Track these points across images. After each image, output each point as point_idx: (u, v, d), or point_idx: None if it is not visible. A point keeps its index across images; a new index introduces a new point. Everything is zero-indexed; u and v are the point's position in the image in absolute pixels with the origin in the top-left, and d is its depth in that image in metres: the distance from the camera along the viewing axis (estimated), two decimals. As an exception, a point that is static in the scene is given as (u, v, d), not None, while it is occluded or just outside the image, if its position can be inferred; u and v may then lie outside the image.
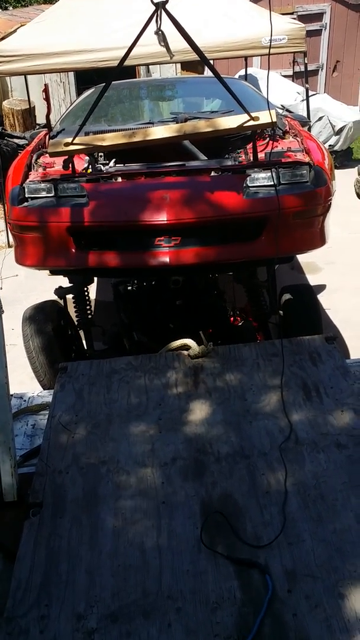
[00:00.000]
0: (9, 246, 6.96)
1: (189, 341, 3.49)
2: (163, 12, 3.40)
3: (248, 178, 3.61)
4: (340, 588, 2.15)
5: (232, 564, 2.26)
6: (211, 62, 4.18)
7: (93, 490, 2.63)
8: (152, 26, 3.49)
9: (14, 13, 11.82)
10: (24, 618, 2.14)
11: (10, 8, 16.98)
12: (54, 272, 4.34)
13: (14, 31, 7.77)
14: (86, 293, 4.32)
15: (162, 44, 3.51)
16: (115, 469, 2.73)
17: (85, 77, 9.31)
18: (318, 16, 12.26)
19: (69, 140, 3.67)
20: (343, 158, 9.58)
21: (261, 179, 3.60)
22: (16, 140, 8.90)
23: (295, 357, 3.34)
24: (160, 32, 3.44)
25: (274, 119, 3.61)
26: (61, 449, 2.87)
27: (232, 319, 4.41)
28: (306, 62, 6.96)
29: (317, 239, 3.83)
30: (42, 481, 2.69)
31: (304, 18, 11.27)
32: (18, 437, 3.10)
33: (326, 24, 12.30)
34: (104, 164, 4.15)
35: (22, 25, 8.04)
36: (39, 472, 2.75)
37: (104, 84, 3.82)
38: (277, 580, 2.18)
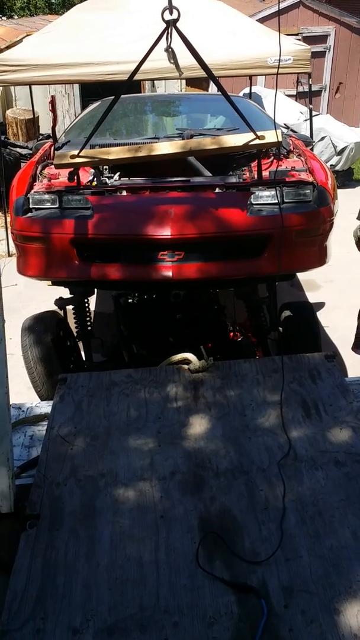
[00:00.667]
0: (9, 255, 6.98)
1: (189, 355, 3.50)
2: (173, 30, 3.45)
3: (252, 196, 3.65)
4: (335, 604, 2.16)
5: (229, 579, 2.25)
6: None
7: (91, 503, 2.62)
8: (162, 44, 3.54)
9: (19, 22, 11.92)
10: (19, 631, 2.12)
11: (16, 17, 17.12)
12: (55, 283, 4.34)
13: (20, 40, 7.83)
14: (86, 304, 4.33)
15: (172, 61, 3.57)
16: (113, 482, 2.72)
17: (90, 90, 9.37)
18: (322, 38, 12.43)
19: (75, 152, 3.70)
20: (344, 178, 9.67)
21: (265, 197, 3.64)
22: (19, 150, 8.95)
23: (295, 374, 3.36)
24: (170, 49, 3.49)
25: (280, 139, 3.65)
26: (59, 461, 2.87)
27: (231, 334, 4.42)
28: (310, 82, 7.04)
29: (319, 258, 3.86)
30: (39, 493, 2.68)
31: (308, 40, 11.40)
32: (16, 447, 3.09)
33: (330, 46, 12.47)
34: (108, 177, 4.18)
35: (28, 35, 8.12)
36: (37, 484, 2.74)
37: (110, 97, 3.86)
38: (274, 595, 2.19)
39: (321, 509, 2.54)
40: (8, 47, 8.51)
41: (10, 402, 2.91)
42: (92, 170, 4.12)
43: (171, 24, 3.50)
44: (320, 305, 5.75)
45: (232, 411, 3.13)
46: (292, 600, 2.18)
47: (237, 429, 3.00)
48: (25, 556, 2.39)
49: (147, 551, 2.38)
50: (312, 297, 5.95)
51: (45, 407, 3.48)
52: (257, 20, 9.12)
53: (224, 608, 2.16)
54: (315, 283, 6.27)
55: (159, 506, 2.58)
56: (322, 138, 9.31)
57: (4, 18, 17.77)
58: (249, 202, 3.62)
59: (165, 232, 3.51)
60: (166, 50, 3.51)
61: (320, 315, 5.21)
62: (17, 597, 2.24)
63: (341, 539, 2.40)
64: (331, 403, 3.15)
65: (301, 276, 6.15)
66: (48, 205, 3.74)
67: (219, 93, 3.82)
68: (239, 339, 4.38)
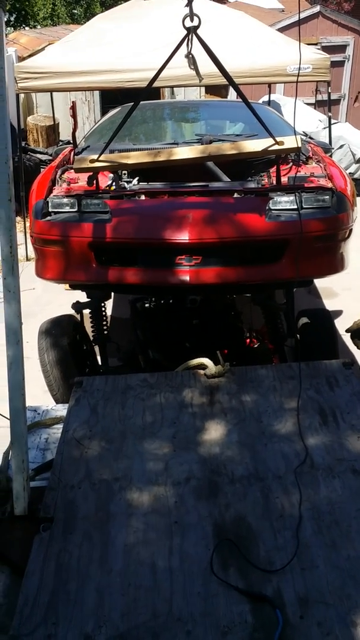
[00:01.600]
0: (27, 259, 7.01)
1: (205, 360, 3.48)
2: (194, 36, 3.44)
3: (271, 201, 3.63)
4: (352, 616, 2.11)
5: (244, 587, 2.22)
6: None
7: (105, 507, 2.60)
8: (182, 51, 3.53)
9: (42, 32, 12.05)
10: (31, 636, 2.10)
11: (39, 27, 17.32)
12: (73, 287, 4.35)
13: (42, 49, 7.91)
14: (103, 309, 4.32)
15: (192, 67, 3.56)
16: (128, 486, 2.70)
17: (110, 97, 9.44)
18: (341, 48, 12.42)
19: (95, 157, 3.71)
20: (362, 186, 9.61)
21: (284, 202, 3.62)
22: (39, 156, 9.01)
23: (312, 380, 3.32)
24: (190, 56, 3.48)
25: (299, 144, 3.63)
26: (74, 464, 2.85)
27: (248, 340, 4.39)
28: (329, 91, 7.03)
29: (337, 264, 3.82)
30: (53, 496, 2.67)
31: (327, 49, 11.35)
32: (31, 450, 3.08)
33: (349, 55, 12.46)
34: (127, 182, 4.19)
35: (50, 44, 8.20)
36: (51, 487, 2.72)
37: (130, 103, 3.86)
38: (289, 606, 2.14)
39: (338, 518, 2.49)
40: (31, 56, 8.60)
41: (26, 405, 2.91)
42: (111, 175, 4.13)
43: (192, 31, 3.50)
44: (338, 313, 5.70)
45: (248, 417, 3.09)
46: (308, 611, 2.13)
47: (253, 435, 2.97)
48: (38, 560, 2.37)
49: (161, 557, 2.36)
50: (329, 305, 5.90)
51: (61, 410, 3.47)
52: (276, 29, 9.14)
53: (238, 617, 2.13)
54: (332, 290, 6.22)
55: (173, 512, 2.56)
56: (341, 146, 9.27)
57: (27, 28, 17.98)
58: (267, 208, 3.60)
59: (183, 237, 3.50)
60: (186, 56, 3.49)
61: (338, 322, 5.15)
62: (29, 601, 2.22)
63: (358, 549, 2.35)
64: (349, 411, 3.10)
65: (319, 283, 6.09)
66: (67, 209, 3.75)
67: (238, 100, 3.81)
68: (256, 346, 4.34)
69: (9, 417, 2.59)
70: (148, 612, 2.16)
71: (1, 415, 2.87)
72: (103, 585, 2.26)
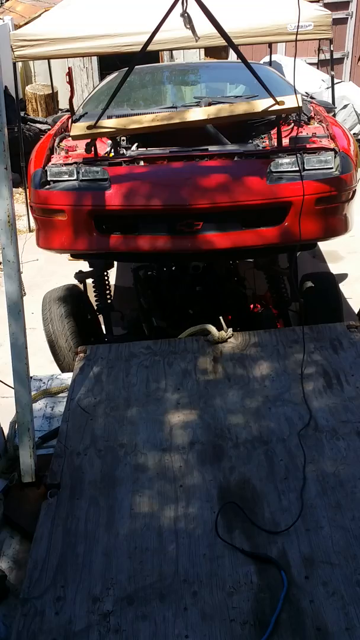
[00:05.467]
0: (30, 231, 6.98)
1: (208, 326, 3.47)
2: (189, -5, 3.37)
3: (272, 163, 3.57)
4: (358, 576, 2.13)
5: (249, 549, 2.24)
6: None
7: (111, 473, 2.63)
8: (177, 10, 3.45)
9: (38, -1, 11.79)
10: (40, 599, 2.14)
11: (35, -6, 16.91)
12: (74, 256, 4.33)
13: (39, 16, 7.75)
14: (106, 278, 4.31)
15: (188, 26, 3.50)
16: (133, 452, 2.72)
17: (108, 63, 9.25)
18: (344, 4, 12.08)
19: (92, 123, 3.65)
20: (367, 147, 9.46)
21: (285, 164, 3.56)
22: (38, 125, 8.91)
23: (316, 344, 3.31)
24: (186, 15, 3.41)
25: (300, 104, 3.57)
26: (79, 431, 2.87)
27: (251, 306, 4.37)
28: (332, 49, 6.87)
29: (341, 226, 3.78)
30: (60, 463, 2.69)
31: (330, 6, 11.05)
32: (37, 419, 3.09)
33: (352, 12, 12.12)
34: (126, 148, 4.13)
35: (46, 11, 8.02)
36: (57, 454, 2.75)
37: (127, 68, 3.79)
38: (294, 566, 2.17)
39: (342, 480, 2.50)
40: (27, 23, 8.42)
41: (32, 375, 2.93)
42: (110, 142, 4.07)
43: (187, -12, 3.42)
44: (343, 276, 5.66)
45: (251, 382, 3.10)
46: (313, 571, 2.16)
47: (257, 399, 2.97)
48: (46, 525, 2.41)
49: (167, 520, 2.38)
50: (334, 268, 5.85)
51: (66, 378, 3.48)
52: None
53: (244, 578, 2.15)
54: (338, 254, 6.17)
55: (178, 476, 2.58)
56: (345, 106, 9.09)
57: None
58: (268, 170, 3.55)
59: (183, 202, 3.47)
60: (182, 15, 3.42)
61: (343, 286, 5.14)
62: (37, 565, 2.26)
63: (363, 509, 2.37)
64: (353, 373, 3.10)
65: (323, 247, 6.05)
66: (66, 177, 3.71)
67: (238, 61, 3.73)
68: (260, 311, 4.33)
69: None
70: (154, 574, 2.19)
71: (7, 385, 2.89)
72: (110, 549, 2.30)
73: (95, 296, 4.30)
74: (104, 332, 4.39)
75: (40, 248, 3.99)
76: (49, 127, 6.92)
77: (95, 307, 4.38)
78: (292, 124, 4.14)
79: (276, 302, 4.31)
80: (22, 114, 8.91)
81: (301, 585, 2.11)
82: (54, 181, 3.72)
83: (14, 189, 2.49)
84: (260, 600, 2.07)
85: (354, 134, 9.06)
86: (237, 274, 4.38)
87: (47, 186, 3.72)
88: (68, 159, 3.87)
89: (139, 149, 4.14)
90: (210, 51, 10.24)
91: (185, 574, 2.18)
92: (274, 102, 3.54)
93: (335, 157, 3.62)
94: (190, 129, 3.81)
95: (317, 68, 10.50)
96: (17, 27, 9.19)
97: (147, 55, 3.85)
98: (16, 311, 2.50)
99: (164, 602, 2.10)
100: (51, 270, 5.90)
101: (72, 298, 4.30)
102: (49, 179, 3.73)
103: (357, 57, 12.41)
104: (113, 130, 3.73)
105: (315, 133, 3.96)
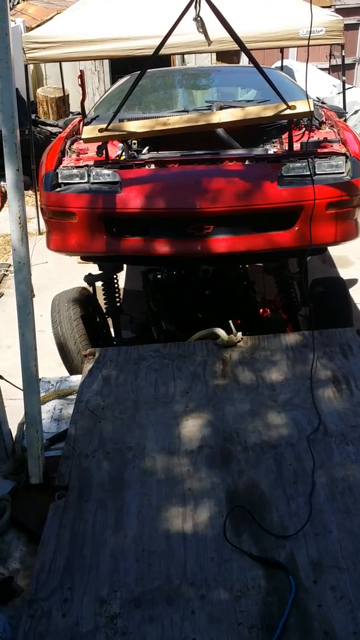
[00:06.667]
0: (40, 233, 7.00)
1: (218, 330, 3.47)
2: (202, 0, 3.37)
3: (283, 167, 3.57)
4: (366, 580, 2.12)
5: (257, 553, 2.23)
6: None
7: (119, 475, 2.62)
8: (190, 14, 3.47)
9: (50, 1, 11.85)
10: (47, 601, 2.14)
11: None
12: (84, 259, 4.34)
13: (51, 19, 7.79)
14: (115, 281, 4.32)
15: (200, 30, 3.50)
16: (141, 455, 2.72)
17: (120, 66, 9.29)
18: (356, 10, 12.09)
19: (103, 126, 3.67)
20: (378, 153, 9.44)
21: (296, 168, 3.56)
22: (49, 128, 8.94)
23: (326, 348, 3.30)
24: (199, 19, 3.42)
25: (311, 108, 3.56)
26: (88, 434, 2.87)
27: (261, 310, 4.36)
28: (343, 54, 6.87)
29: (352, 231, 3.77)
30: (68, 464, 2.70)
31: (342, 11, 11.07)
32: (45, 420, 3.10)
33: (364, 17, 12.12)
34: (137, 151, 4.14)
35: (58, 13, 8.05)
36: (66, 456, 2.75)
37: (138, 71, 3.80)
38: (302, 570, 2.16)
39: (352, 485, 2.49)
40: (39, 26, 8.46)
41: (41, 377, 2.93)
42: (121, 145, 4.08)
43: (200, -7, 3.42)
44: (353, 281, 5.65)
45: (260, 386, 3.09)
46: (321, 576, 2.15)
47: (266, 403, 2.97)
48: (54, 527, 2.41)
49: (175, 523, 2.37)
50: (344, 274, 5.84)
51: (75, 381, 3.48)
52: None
53: (252, 582, 2.14)
54: (348, 259, 6.15)
55: (186, 479, 2.57)
56: (356, 111, 9.07)
57: (35, -2, 17.69)
58: (279, 174, 3.55)
59: (194, 206, 3.47)
60: (195, 19, 3.43)
61: (353, 291, 5.12)
62: (45, 567, 2.26)
63: (372, 514, 2.36)
64: (363, 378, 3.09)
65: (333, 252, 6.03)
66: (77, 180, 3.72)
67: (250, 65, 3.74)
68: (269, 315, 4.32)
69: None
70: (162, 577, 2.18)
71: (15, 386, 2.89)
72: (118, 551, 2.29)
73: (104, 299, 4.31)
74: (113, 335, 4.39)
75: (51, 250, 4.00)
76: (60, 129, 6.95)
77: (105, 310, 4.38)
78: (304, 129, 4.14)
79: (286, 306, 4.30)
80: (33, 116, 8.94)
81: (309, 590, 2.10)
82: (65, 184, 3.73)
83: (24, 192, 2.49)
84: (268, 604, 2.06)
85: (365, 139, 9.04)
86: (247, 278, 4.37)
87: (58, 189, 3.73)
88: (79, 162, 3.89)
89: (150, 152, 4.15)
90: (222, 55, 10.27)
91: (193, 577, 2.18)
92: (285, 107, 3.54)
93: (346, 161, 3.62)
94: (201, 132, 3.81)
95: (329, 73, 10.51)
96: (29, 29, 9.23)
97: (158, 59, 3.86)
98: (25, 313, 2.51)
99: (171, 605, 2.09)
100: (60, 273, 5.90)
101: (81, 301, 4.31)
102: (60, 181, 3.74)
103: (369, 62, 12.40)
104: (124, 133, 3.74)
105: (326, 138, 3.96)
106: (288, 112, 3.55)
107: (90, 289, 4.44)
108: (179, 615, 2.05)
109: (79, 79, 4.29)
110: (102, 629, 2.03)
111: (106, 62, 10.21)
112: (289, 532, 2.30)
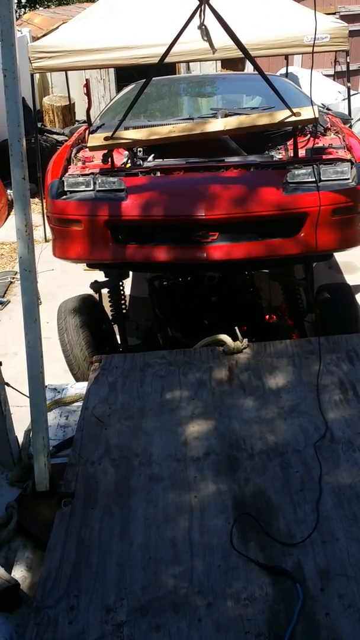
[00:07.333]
0: (46, 241, 7.02)
1: (223, 337, 3.46)
2: (206, 8, 3.38)
3: (288, 174, 3.58)
4: (374, 589, 2.10)
5: (264, 561, 2.22)
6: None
7: (125, 482, 2.62)
8: (195, 22, 3.48)
9: (56, 11, 11.96)
10: (53, 609, 2.13)
11: (53, 6, 17.18)
12: (90, 266, 4.35)
13: (56, 28, 7.84)
14: (121, 288, 4.32)
15: (205, 38, 3.51)
16: (147, 462, 2.71)
17: (125, 75, 9.35)
18: (361, 16, 12.12)
19: (109, 134, 3.68)
20: (383, 159, 9.43)
21: (302, 175, 3.57)
22: (55, 137, 8.99)
23: (332, 355, 3.29)
24: (203, 27, 3.43)
25: (316, 115, 3.57)
26: (94, 441, 2.87)
27: (267, 317, 4.36)
28: (348, 61, 6.89)
29: (357, 237, 3.77)
30: (74, 472, 2.69)
31: (346, 18, 11.12)
32: (51, 428, 3.10)
33: (369, 24, 12.14)
34: (143, 159, 4.16)
35: (64, 23, 8.11)
36: (72, 463, 2.75)
37: (143, 80, 3.82)
38: (310, 578, 2.15)
39: (359, 492, 2.48)
40: (45, 35, 8.53)
41: (47, 384, 2.93)
42: (127, 152, 4.10)
43: (204, 1, 3.44)
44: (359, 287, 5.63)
45: (267, 392, 3.08)
46: (328, 583, 2.13)
47: (272, 410, 2.96)
48: (60, 534, 2.40)
49: (181, 531, 2.37)
50: (350, 280, 5.82)
51: (81, 388, 3.48)
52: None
53: (259, 590, 2.13)
54: (354, 265, 6.14)
55: (193, 486, 2.56)
56: (362, 118, 9.09)
57: (40, 8, 17.84)
58: (284, 181, 3.55)
59: (200, 213, 3.48)
60: (199, 27, 3.44)
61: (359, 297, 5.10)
62: (51, 574, 2.25)
63: (380, 522, 2.34)
64: (369, 384, 3.08)
65: (339, 258, 6.02)
66: (82, 187, 3.74)
67: (255, 73, 3.75)
68: (275, 322, 4.31)
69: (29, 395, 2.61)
70: (169, 584, 2.18)
71: (22, 393, 2.90)
72: (124, 559, 2.29)
73: (110, 306, 4.31)
74: (119, 342, 4.40)
75: (57, 258, 4.02)
76: (66, 138, 6.99)
77: (111, 317, 4.39)
78: (309, 135, 4.15)
79: (292, 313, 4.30)
80: (39, 125, 9.00)
81: (317, 598, 2.09)
82: (71, 191, 3.75)
83: (30, 199, 2.50)
84: (275, 613, 2.05)
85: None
86: (253, 285, 4.37)
87: (64, 196, 3.75)
88: (85, 170, 3.90)
89: (156, 160, 4.16)
90: (227, 63, 10.30)
91: (200, 585, 2.17)
92: (290, 114, 3.54)
93: (351, 168, 3.62)
94: (206, 140, 3.83)
95: (334, 80, 10.53)
96: (34, 39, 9.30)
97: (163, 67, 3.88)
98: (32, 320, 2.51)
99: (178, 613, 2.08)
100: (67, 280, 5.92)
101: (87, 308, 4.32)
102: (66, 189, 3.76)
103: (374, 69, 12.40)
104: (130, 141, 3.75)
105: (331, 144, 3.96)
106: (293, 119, 3.56)
107: (96, 296, 4.45)
108: (185, 624, 2.04)
109: (85, 88, 4.31)
110: (108, 637, 2.02)
111: (112, 70, 10.26)
112: (296, 539, 2.29)
